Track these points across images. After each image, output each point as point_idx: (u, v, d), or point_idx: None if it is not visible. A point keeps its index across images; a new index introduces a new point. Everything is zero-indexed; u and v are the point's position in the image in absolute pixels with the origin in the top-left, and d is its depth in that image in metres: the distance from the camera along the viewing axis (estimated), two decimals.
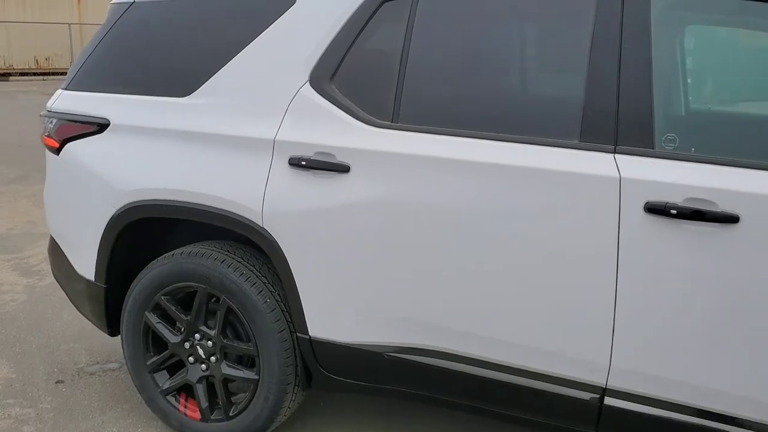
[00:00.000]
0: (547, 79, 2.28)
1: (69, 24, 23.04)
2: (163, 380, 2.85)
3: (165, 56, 2.78)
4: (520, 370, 2.24)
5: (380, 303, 2.37)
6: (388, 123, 2.35)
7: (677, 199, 1.95)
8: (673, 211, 1.94)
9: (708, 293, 1.96)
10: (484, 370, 2.28)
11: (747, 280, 1.91)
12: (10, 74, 22.38)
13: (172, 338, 2.78)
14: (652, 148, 2.02)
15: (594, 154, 2.07)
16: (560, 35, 2.21)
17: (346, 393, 2.72)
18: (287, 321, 2.57)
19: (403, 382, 2.45)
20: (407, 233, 2.28)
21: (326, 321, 2.48)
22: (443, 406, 2.48)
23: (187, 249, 2.71)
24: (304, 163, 2.40)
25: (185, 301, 2.75)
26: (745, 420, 2.01)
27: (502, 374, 2.26)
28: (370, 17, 2.42)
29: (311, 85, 2.45)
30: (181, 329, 2.77)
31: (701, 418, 2.05)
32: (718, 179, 1.93)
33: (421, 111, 2.34)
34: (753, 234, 1.89)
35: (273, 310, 2.56)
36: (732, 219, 1.90)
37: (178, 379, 2.81)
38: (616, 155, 2.05)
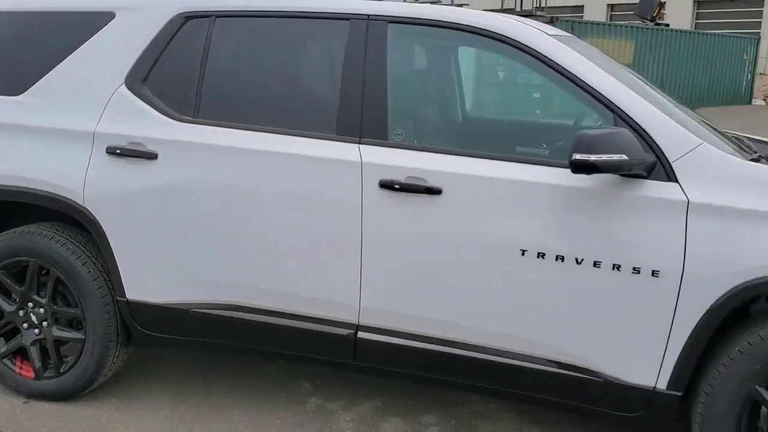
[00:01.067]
0: (314, 88, 2.88)
1: None
2: (0, 345, 3.21)
3: (1, 60, 3.17)
4: (293, 314, 2.81)
5: (182, 267, 2.88)
6: (190, 118, 2.87)
7: (401, 177, 2.59)
8: (397, 186, 2.58)
9: (425, 248, 2.61)
10: (267, 317, 2.84)
11: (448, 237, 2.58)
12: None
13: (7, 308, 3.15)
14: (386, 140, 2.66)
15: (345, 144, 2.69)
16: (322, 56, 2.82)
17: (164, 347, 3.21)
18: (108, 287, 3.02)
19: (206, 333, 2.97)
20: (203, 209, 2.81)
21: (140, 285, 2.96)
22: (244, 353, 3.02)
23: (19, 229, 3.10)
24: (118, 151, 2.87)
25: (20, 275, 3.14)
26: (464, 342, 2.65)
27: (281, 319, 2.82)
28: (176, 31, 2.94)
29: (126, 86, 2.94)
30: (16, 299, 3.15)
31: (434, 344, 2.68)
32: (428, 162, 2.59)
33: (218, 108, 2.88)
34: (451, 202, 2.56)
35: (96, 278, 3.00)
36: (437, 191, 2.56)
37: (14, 343, 3.19)
38: (360, 145, 2.67)
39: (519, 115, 3.46)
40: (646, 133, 2.42)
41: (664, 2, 22.38)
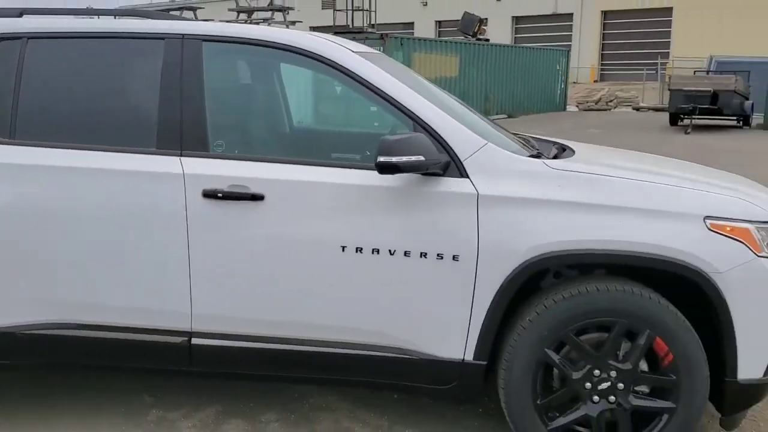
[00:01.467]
0: (133, 105, 2.96)
1: None
2: None
3: None
4: (127, 327, 2.87)
5: (4, 290, 2.85)
6: (7, 139, 2.86)
7: (223, 186, 2.75)
8: (220, 195, 2.74)
9: (251, 252, 2.78)
10: (99, 332, 2.87)
11: (273, 239, 2.77)
12: None
13: None
14: (207, 151, 2.81)
15: (166, 158, 2.80)
16: (140, 74, 2.93)
17: None
18: None
19: (37, 355, 2.94)
20: (24, 230, 2.80)
21: None
22: (80, 371, 3.01)
23: None
24: None
25: None
26: (296, 338, 2.85)
27: (114, 333, 2.87)
28: None
29: None
30: None
31: (267, 343, 2.85)
32: (250, 170, 2.77)
33: (36, 129, 2.89)
34: (273, 207, 2.75)
35: None
36: (260, 197, 2.74)
37: None
38: (182, 158, 2.80)
39: (356, 126, 3.75)
40: (440, 136, 2.75)
41: (484, 19, 24.04)
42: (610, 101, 27.39)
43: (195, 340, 2.87)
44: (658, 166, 3.31)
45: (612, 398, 2.72)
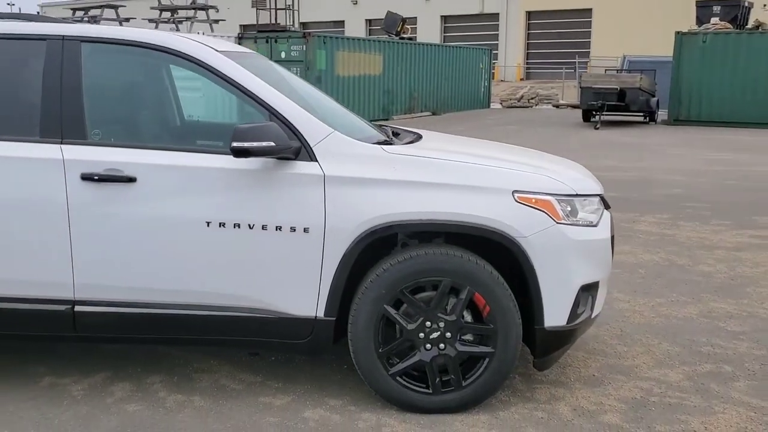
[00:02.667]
0: (19, 99, 3.31)
1: None
2: None
3: None
4: (14, 298, 3.21)
5: None
6: None
7: (100, 170, 3.12)
8: (96, 177, 3.11)
9: (126, 227, 3.16)
10: None
11: (146, 216, 3.15)
12: None
13: None
14: (85, 139, 3.18)
15: (48, 145, 3.16)
16: (24, 71, 3.27)
17: None
18: None
19: None
20: None
21: None
22: None
23: None
24: None
25: None
26: (173, 303, 3.24)
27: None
28: None
29: None
30: None
31: (145, 308, 3.24)
32: (124, 156, 3.16)
33: None
34: (144, 188, 3.14)
35: None
36: (132, 179, 3.13)
37: None
38: (62, 145, 3.16)
39: (223, 117, 4.18)
40: (292, 125, 3.18)
41: (407, 18, 24.64)
42: (532, 99, 28.45)
43: (78, 308, 3.23)
44: (486, 150, 3.83)
45: (442, 345, 3.21)
